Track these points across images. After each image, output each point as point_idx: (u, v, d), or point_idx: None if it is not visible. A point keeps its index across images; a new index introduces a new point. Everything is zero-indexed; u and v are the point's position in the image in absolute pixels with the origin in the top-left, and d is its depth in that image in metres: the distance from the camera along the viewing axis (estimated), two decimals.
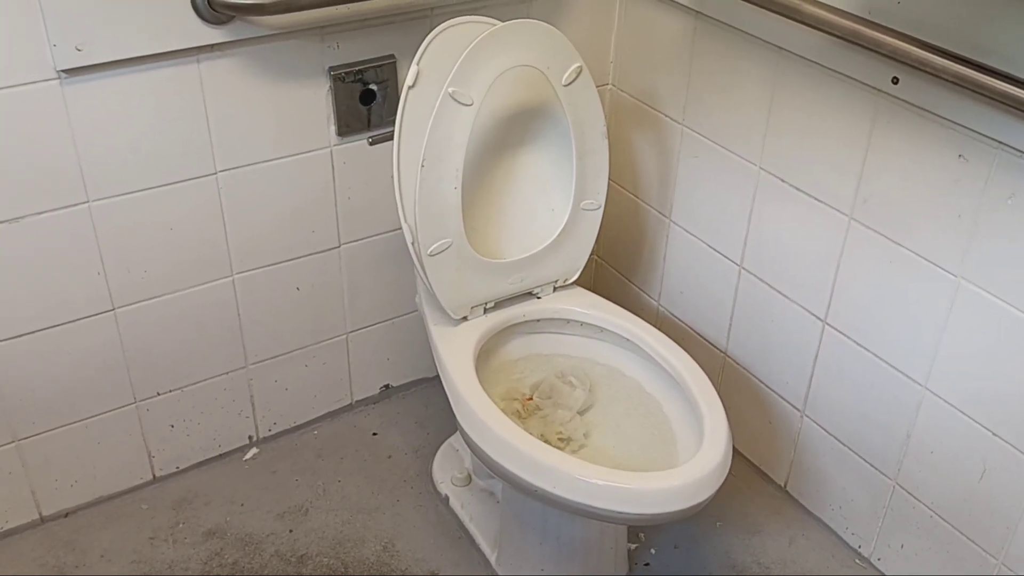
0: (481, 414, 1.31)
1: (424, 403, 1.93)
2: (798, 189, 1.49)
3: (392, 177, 1.42)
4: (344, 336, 1.81)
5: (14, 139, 1.32)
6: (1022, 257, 1.20)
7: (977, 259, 1.26)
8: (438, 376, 1.46)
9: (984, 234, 1.24)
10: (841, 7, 1.27)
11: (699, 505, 1.21)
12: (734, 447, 1.76)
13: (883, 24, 1.22)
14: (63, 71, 1.30)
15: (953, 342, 1.33)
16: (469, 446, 1.35)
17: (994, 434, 1.31)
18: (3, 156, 1.32)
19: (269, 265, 1.64)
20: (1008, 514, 1.33)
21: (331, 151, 1.59)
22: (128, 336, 1.56)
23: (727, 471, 1.25)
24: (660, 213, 1.81)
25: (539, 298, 1.57)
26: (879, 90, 1.30)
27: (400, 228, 1.43)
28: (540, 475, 1.24)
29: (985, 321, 1.27)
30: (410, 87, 1.38)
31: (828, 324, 1.52)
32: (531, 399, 1.48)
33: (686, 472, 1.22)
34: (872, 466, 1.53)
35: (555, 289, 1.58)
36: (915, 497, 1.47)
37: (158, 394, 1.65)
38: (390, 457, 1.81)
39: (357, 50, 1.52)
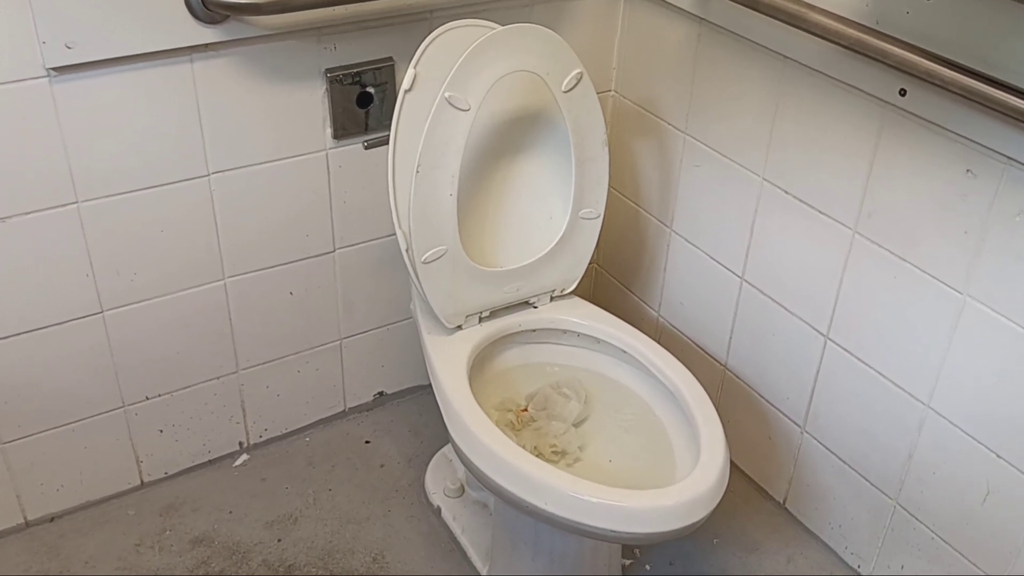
0: (473, 426, 1.28)
1: (418, 411, 1.90)
2: (802, 201, 1.46)
3: (387, 181, 1.39)
4: (338, 342, 1.78)
5: (1, 138, 1.29)
6: None
7: (983, 276, 1.23)
8: None
9: (991, 251, 1.21)
10: (848, 16, 1.24)
11: (694, 525, 1.18)
12: (733, 462, 1.73)
13: (891, 34, 1.19)
14: (53, 69, 1.28)
15: (957, 360, 1.30)
16: (461, 459, 1.32)
17: (998, 456, 1.28)
18: None
19: (262, 269, 1.61)
20: (1011, 537, 1.30)
21: (327, 154, 1.56)
22: (117, 339, 1.53)
23: (724, 490, 1.22)
24: (661, 222, 1.78)
25: (536, 308, 1.54)
26: (886, 102, 1.27)
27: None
28: (532, 491, 1.21)
29: (991, 340, 1.24)
30: (407, 91, 1.35)
31: (830, 339, 1.49)
32: (525, 410, 1.46)
33: (681, 491, 1.19)
34: (873, 485, 1.50)
35: (552, 299, 1.55)
36: (916, 518, 1.44)
37: (147, 398, 1.62)
38: (382, 466, 1.78)
39: (354, 52, 1.50)
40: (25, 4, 1.22)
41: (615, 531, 1.18)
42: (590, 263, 1.56)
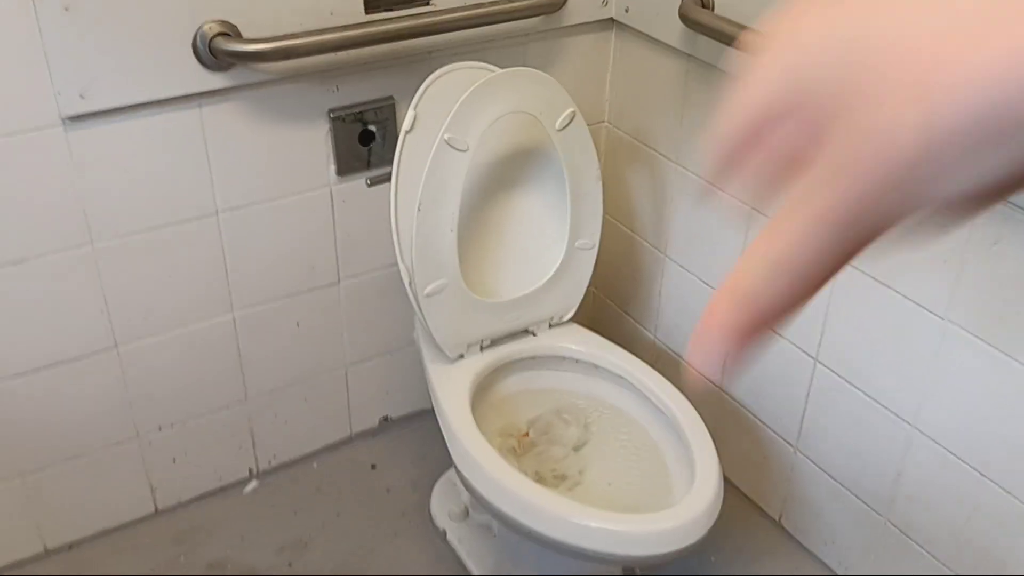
0: (475, 454, 1.33)
1: (423, 435, 1.94)
2: None
3: (389, 218, 1.45)
4: (343, 369, 1.83)
5: (19, 183, 1.35)
6: (1006, 302, 1.22)
7: (963, 303, 1.28)
8: None
9: (970, 279, 1.26)
10: None
11: (690, 547, 1.23)
12: (730, 481, 1.78)
13: None
14: (67, 117, 1.33)
15: (941, 383, 1.35)
16: (464, 485, 1.37)
17: (982, 475, 1.33)
18: (9, 200, 1.35)
19: (269, 301, 1.66)
20: (997, 554, 1.34)
21: (331, 190, 1.62)
22: (131, 373, 1.58)
23: (718, 512, 1.27)
24: (655, 248, 1.83)
25: (535, 335, 1.59)
26: None
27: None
28: (534, 517, 1.26)
29: (971, 363, 1.29)
30: (407, 132, 1.41)
31: (819, 362, 1.54)
32: (527, 435, 1.50)
33: (677, 514, 1.24)
34: (864, 503, 1.54)
35: (551, 326, 1.60)
36: (906, 535, 1.48)
37: (160, 429, 1.67)
38: (388, 490, 1.82)
39: (356, 92, 1.55)
40: (40, 56, 1.27)
41: (614, 554, 1.23)
42: (588, 287, 1.61)
